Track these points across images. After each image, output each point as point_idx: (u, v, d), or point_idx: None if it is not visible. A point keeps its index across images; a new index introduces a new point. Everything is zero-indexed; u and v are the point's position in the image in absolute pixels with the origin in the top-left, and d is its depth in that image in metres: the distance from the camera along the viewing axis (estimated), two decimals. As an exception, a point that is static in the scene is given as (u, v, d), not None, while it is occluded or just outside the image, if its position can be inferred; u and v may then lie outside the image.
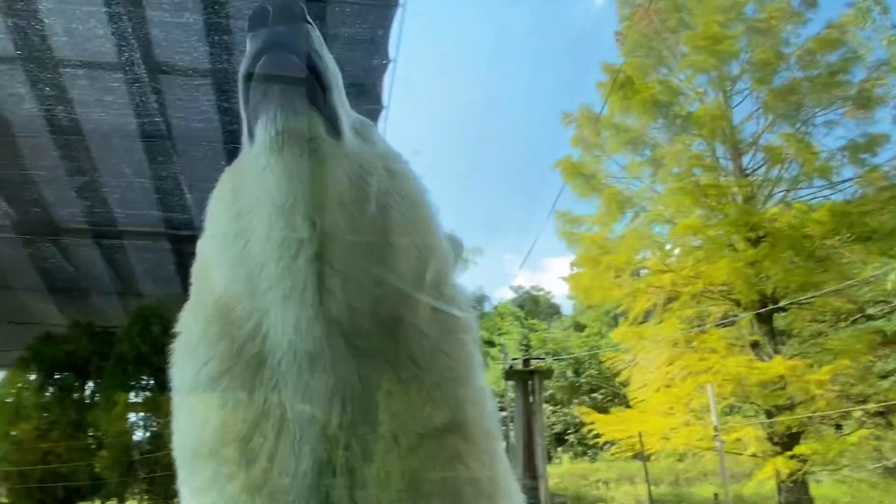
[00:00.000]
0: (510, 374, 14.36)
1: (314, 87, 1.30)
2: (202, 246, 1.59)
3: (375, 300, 1.36)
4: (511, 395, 16.75)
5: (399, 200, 1.42)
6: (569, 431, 34.05)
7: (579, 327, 39.77)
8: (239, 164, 1.48)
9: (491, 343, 35.03)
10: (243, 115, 1.38)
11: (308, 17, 1.34)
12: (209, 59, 5.54)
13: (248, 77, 1.31)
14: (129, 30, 5.14)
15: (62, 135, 6.16)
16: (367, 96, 6.03)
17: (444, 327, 1.45)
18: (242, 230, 1.38)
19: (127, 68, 5.41)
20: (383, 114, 6.32)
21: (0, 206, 7.38)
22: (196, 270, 1.58)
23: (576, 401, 33.18)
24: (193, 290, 1.57)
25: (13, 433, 12.04)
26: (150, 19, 5.19)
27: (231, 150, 6.26)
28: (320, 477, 1.27)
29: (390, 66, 6.13)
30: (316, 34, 1.34)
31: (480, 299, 45.51)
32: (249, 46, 1.32)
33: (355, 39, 5.83)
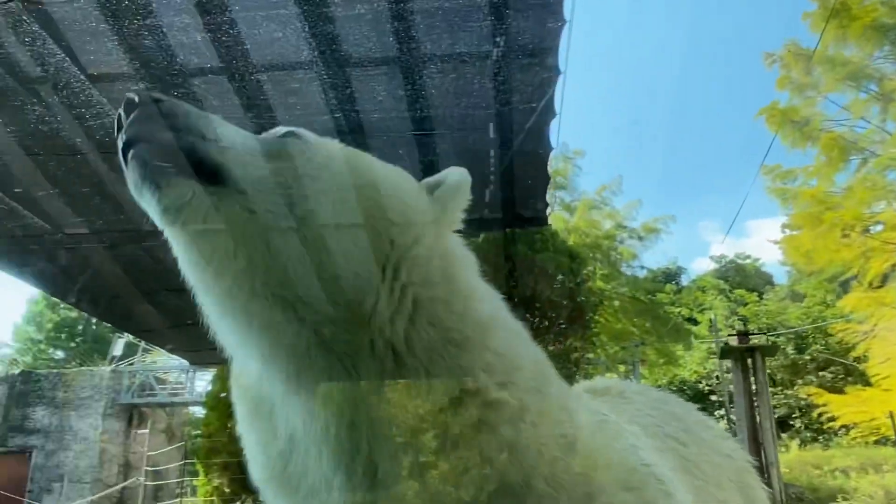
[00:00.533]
0: (726, 352, 13.45)
1: (174, 157, 1.37)
2: None
3: (331, 300, 1.37)
4: (726, 376, 15.74)
5: (319, 201, 1.41)
6: (794, 415, 31.55)
7: (797, 297, 36.66)
8: None
9: (692, 320, 33.36)
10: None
11: (154, 96, 1.42)
12: (381, 48, 5.57)
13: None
14: (306, 28, 5.29)
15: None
16: (542, 62, 5.75)
17: (435, 280, 1.44)
18: (200, 291, 1.48)
19: (306, 67, 5.58)
20: (560, 79, 6.00)
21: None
22: None
23: (799, 381, 30.72)
24: None
25: (229, 426, 13.38)
26: (323, 15, 5.31)
27: (410, 138, 6.28)
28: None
29: (566, 28, 5.84)
30: (165, 107, 1.41)
31: (676, 273, 43.53)
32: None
33: (528, 3, 5.60)
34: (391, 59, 5.46)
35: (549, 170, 7.13)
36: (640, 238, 22.23)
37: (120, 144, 1.41)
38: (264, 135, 1.61)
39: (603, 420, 1.81)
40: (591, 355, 17.20)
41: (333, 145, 1.61)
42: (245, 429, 1.56)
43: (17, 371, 24.16)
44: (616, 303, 20.67)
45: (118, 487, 22.71)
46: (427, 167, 6.38)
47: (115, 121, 1.43)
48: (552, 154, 6.77)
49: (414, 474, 1.35)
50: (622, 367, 21.87)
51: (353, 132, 6.30)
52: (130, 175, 1.40)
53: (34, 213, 7.73)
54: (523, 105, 5.76)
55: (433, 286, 1.44)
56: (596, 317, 16.63)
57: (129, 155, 1.38)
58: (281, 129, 1.61)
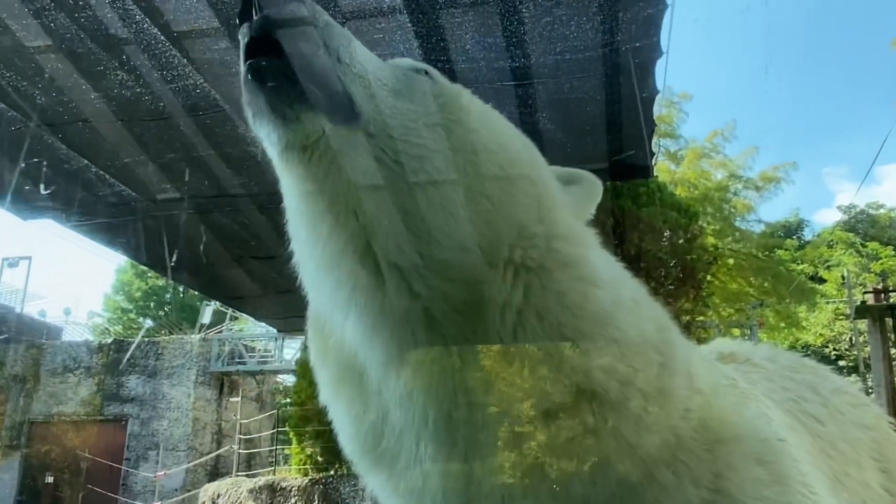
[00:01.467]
0: (861, 310, 12.88)
1: (306, 78, 1.24)
2: None
3: (448, 277, 1.32)
4: (859, 339, 15.11)
5: (452, 159, 1.35)
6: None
7: (941, 250, 34.54)
8: None
9: (818, 278, 31.96)
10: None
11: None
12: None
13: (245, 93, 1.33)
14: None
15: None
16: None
17: (552, 266, 1.38)
18: (305, 242, 1.44)
19: (388, 14, 5.60)
20: (667, 13, 5.78)
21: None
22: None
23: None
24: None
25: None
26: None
27: (500, 88, 6.23)
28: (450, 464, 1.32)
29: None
30: (305, 9, 1.29)
31: (798, 226, 41.68)
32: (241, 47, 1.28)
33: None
34: (482, 2, 5.42)
35: (655, 115, 6.95)
36: (757, 189, 21.34)
37: (242, 45, 1.28)
38: (391, 63, 1.50)
39: (731, 385, 1.77)
40: (703, 318, 16.78)
41: (467, 95, 1.54)
42: (330, 396, 1.54)
43: (109, 340, 25.69)
44: (731, 261, 20.00)
45: (212, 455, 24.04)
46: (521, 119, 6.33)
47: (239, 15, 1.29)
48: (657, 98, 6.60)
49: (518, 475, 1.32)
50: (738, 332, 21.23)
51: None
52: (250, 95, 1.30)
53: (121, 181, 8.15)
54: (626, 45, 5.61)
55: (549, 274, 1.38)
56: (708, 276, 16.17)
57: (252, 67, 1.26)
58: (406, 61, 1.52)
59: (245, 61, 1.27)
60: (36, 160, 7.71)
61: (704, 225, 17.78)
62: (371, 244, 1.31)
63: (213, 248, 10.02)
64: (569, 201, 1.60)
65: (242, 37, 1.28)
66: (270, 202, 8.57)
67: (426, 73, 1.50)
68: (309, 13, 1.31)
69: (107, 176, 8.03)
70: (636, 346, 1.41)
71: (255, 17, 1.26)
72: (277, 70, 1.25)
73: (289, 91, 1.25)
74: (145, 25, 5.75)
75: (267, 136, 1.32)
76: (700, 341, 16.29)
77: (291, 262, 1.64)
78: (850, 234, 40.15)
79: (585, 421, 1.32)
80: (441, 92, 1.48)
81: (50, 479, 23.09)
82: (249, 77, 1.27)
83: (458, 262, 1.33)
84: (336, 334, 1.46)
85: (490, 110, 1.57)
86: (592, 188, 1.78)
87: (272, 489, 17.14)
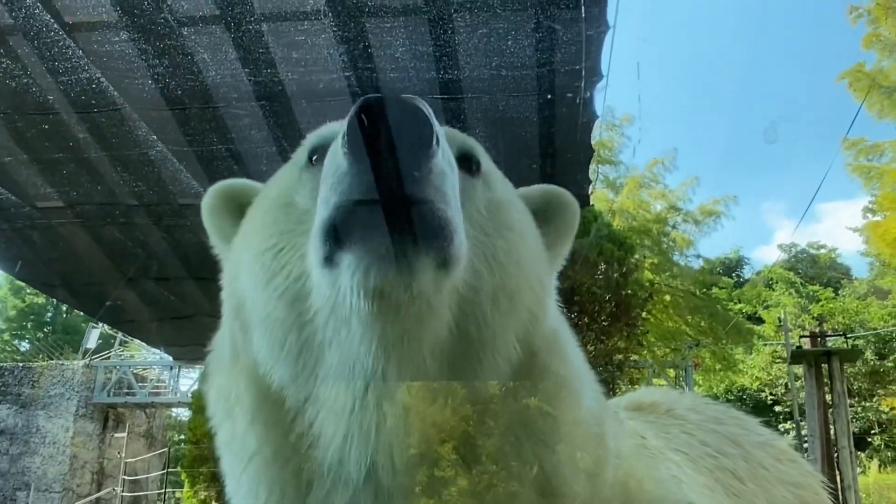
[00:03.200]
0: (797, 356, 13.36)
1: (426, 235, 1.19)
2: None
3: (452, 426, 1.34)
4: (795, 383, 15.66)
5: (495, 292, 1.38)
6: (873, 431, 31.29)
7: (881, 293, 36.25)
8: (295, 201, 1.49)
9: (756, 318, 33.10)
10: (317, 259, 1.27)
11: (437, 136, 1.19)
12: None
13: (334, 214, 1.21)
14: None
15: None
16: (588, 14, 5.71)
17: (545, 385, 1.44)
18: (308, 324, 1.34)
19: (313, 17, 5.58)
20: (609, 35, 5.94)
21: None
22: (227, 336, 1.59)
23: (881, 391, 30.42)
24: (227, 358, 1.58)
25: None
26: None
27: (430, 101, 6.25)
28: None
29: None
30: (444, 164, 1.23)
31: (737, 263, 43.17)
32: (347, 169, 1.20)
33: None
34: (414, 9, 5.45)
35: (593, 141, 7.10)
36: (697, 222, 22.03)
37: (366, 188, 1.17)
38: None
39: (640, 445, 1.83)
40: (636, 357, 17.13)
41: (511, 196, 1.61)
42: (251, 438, 1.45)
43: (-23, 364, 24.61)
44: (667, 297, 20.53)
45: (91, 499, 23.12)
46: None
47: (350, 133, 1.19)
48: (596, 123, 6.75)
49: None
50: (672, 372, 21.75)
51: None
52: (361, 222, 1.19)
53: (0, 183, 7.83)
54: (565, 66, 5.73)
55: (545, 393, 1.44)
56: (644, 313, 16.55)
57: (375, 205, 1.17)
58: (456, 140, 1.51)
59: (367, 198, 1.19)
60: None
61: (641, 259, 18.22)
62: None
63: (103, 263, 9.69)
64: (545, 254, 1.64)
65: (352, 162, 1.20)
66: (170, 214, 8.36)
67: (478, 164, 1.54)
68: (446, 168, 1.25)
69: (-19, 176, 7.70)
70: (578, 422, 1.48)
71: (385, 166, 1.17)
72: (409, 213, 1.18)
73: (411, 231, 1.19)
74: (35, 11, 5.57)
75: (359, 270, 1.19)
76: (633, 382, 16.59)
77: (191, 284, 1.56)
78: (791, 274, 41.84)
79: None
80: (495, 209, 1.50)
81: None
82: (371, 207, 1.18)
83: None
84: (301, 417, 1.39)
85: (525, 216, 1.63)
86: (572, 218, 1.76)
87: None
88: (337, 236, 1.20)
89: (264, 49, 5.93)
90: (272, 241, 1.42)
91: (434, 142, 1.18)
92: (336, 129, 1.36)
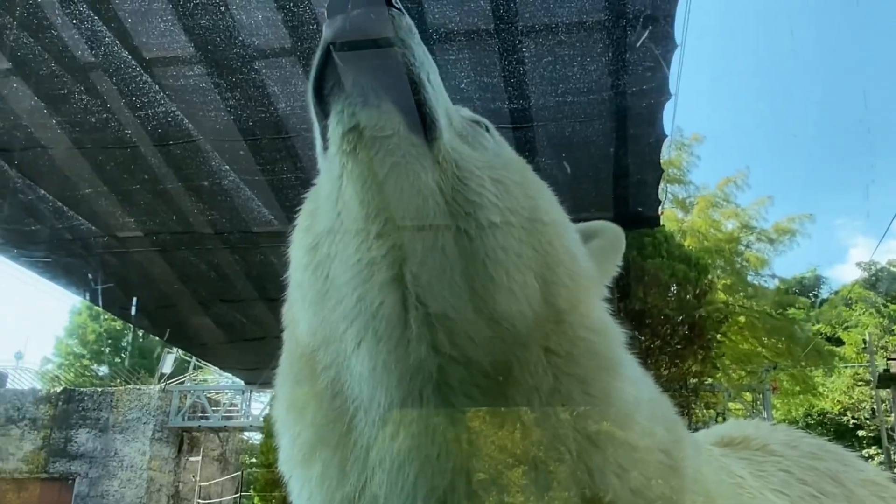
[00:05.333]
0: (884, 379, 12.87)
1: (394, 77, 1.30)
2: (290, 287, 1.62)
3: (478, 342, 1.32)
4: (884, 406, 15.10)
5: (510, 219, 1.39)
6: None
7: (970, 313, 34.77)
8: (317, 182, 1.54)
9: (835, 339, 32.02)
10: (314, 122, 1.42)
11: (395, 1, 1.33)
12: (465, 22, 5.61)
13: (318, 77, 1.35)
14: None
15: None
16: (655, 34, 5.67)
17: (579, 354, 1.40)
18: (320, 261, 1.42)
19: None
20: (677, 53, 5.89)
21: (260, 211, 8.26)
22: (285, 315, 1.63)
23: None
24: (285, 337, 1.62)
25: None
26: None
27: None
28: None
29: (685, -7, 5.74)
30: (405, 21, 1.34)
31: (814, 283, 41.88)
32: (323, 35, 1.34)
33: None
34: (478, 40, 5.48)
35: (662, 160, 7.03)
36: (771, 241, 21.49)
37: (335, 24, 1.32)
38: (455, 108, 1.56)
39: (737, 485, 1.76)
40: (712, 381, 16.74)
41: (522, 160, 1.63)
42: (301, 460, 1.47)
43: (59, 389, 25.35)
44: (742, 319, 20.04)
45: (168, 521, 23.55)
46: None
47: (330, 7, 1.34)
48: (665, 142, 6.68)
49: None
50: (749, 396, 21.18)
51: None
52: (336, 67, 1.33)
53: (79, 214, 8.12)
54: (632, 87, 5.70)
55: (575, 361, 1.39)
56: (718, 335, 16.19)
57: (343, 47, 1.31)
58: (465, 112, 1.58)
59: (336, 36, 1.32)
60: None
61: (715, 279, 17.85)
62: (403, 272, 1.32)
63: (177, 289, 9.96)
64: (593, 270, 1.63)
65: (329, 27, 1.34)
66: (241, 241, 8.55)
67: (487, 128, 1.58)
68: (408, 25, 1.37)
69: (64, 208, 8.01)
70: (649, 451, 1.41)
71: (350, 12, 1.32)
72: (376, 54, 1.32)
73: (381, 77, 1.32)
74: (114, 49, 5.80)
75: (337, 114, 1.33)
76: (708, 406, 16.21)
77: (264, 305, 1.62)
78: (871, 293, 40.39)
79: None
80: (502, 151, 1.56)
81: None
82: (343, 48, 1.32)
83: (490, 331, 1.33)
84: (333, 370, 1.42)
85: (543, 183, 1.65)
86: (615, 240, 1.81)
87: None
88: (322, 89, 1.36)
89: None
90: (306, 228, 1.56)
91: None
92: None
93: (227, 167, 7.25)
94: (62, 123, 6.78)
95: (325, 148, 1.39)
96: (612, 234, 1.79)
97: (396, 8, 1.35)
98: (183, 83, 6.25)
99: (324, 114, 1.37)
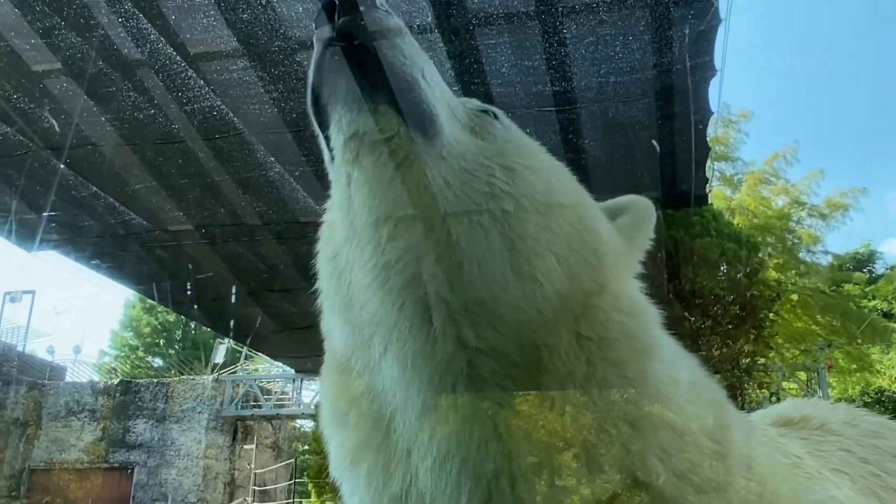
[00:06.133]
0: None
1: (388, 79, 1.31)
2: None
3: (504, 332, 1.32)
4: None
5: (524, 205, 1.38)
6: None
7: None
8: (331, 192, 1.55)
9: (893, 316, 31.28)
10: (318, 133, 1.44)
11: (382, 3, 1.35)
12: (505, 5, 5.58)
13: (315, 89, 1.38)
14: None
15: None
16: (698, 9, 5.57)
17: (613, 338, 1.39)
18: (341, 270, 1.46)
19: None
20: (721, 28, 5.78)
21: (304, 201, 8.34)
22: (322, 326, 1.66)
23: None
24: (325, 347, 1.64)
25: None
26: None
27: (538, 114, 6.26)
28: None
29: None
30: (393, 21, 1.36)
31: (869, 258, 40.87)
32: (314, 47, 1.37)
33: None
34: (519, 23, 5.45)
35: (709, 138, 6.93)
36: (823, 217, 21.04)
37: (323, 35, 1.35)
38: (461, 100, 1.56)
39: (794, 465, 1.72)
40: (765, 360, 16.48)
41: (534, 143, 1.60)
42: (347, 466, 1.49)
43: (116, 381, 25.88)
44: (795, 297, 19.68)
45: (225, 508, 23.98)
46: (564, 146, 6.34)
47: (321, 10, 1.37)
48: (711, 119, 6.59)
49: None
50: (803, 375, 20.81)
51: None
52: (328, 75, 1.36)
53: (131, 209, 8.29)
54: (676, 65, 5.62)
55: (609, 345, 1.38)
56: (770, 314, 15.92)
57: (339, 48, 1.33)
58: (475, 102, 1.57)
59: (326, 46, 1.35)
60: (40, 187, 7.89)
61: (765, 257, 17.55)
62: (421, 270, 1.33)
63: (228, 280, 10.12)
64: (621, 247, 1.60)
65: (318, 39, 1.37)
66: (289, 232, 8.65)
67: (495, 115, 1.55)
68: (396, 26, 1.39)
69: (116, 203, 8.19)
70: (692, 434, 1.39)
71: (337, 20, 1.35)
72: (366, 57, 1.33)
73: (374, 79, 1.32)
74: (160, 46, 5.90)
75: (336, 123, 1.36)
76: (761, 386, 15.98)
77: (311, 294, 1.66)
78: (929, 267, 39.32)
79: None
80: (512, 138, 1.53)
81: (51, 531, 23.21)
82: (333, 57, 1.34)
83: (515, 320, 1.33)
84: (367, 375, 1.44)
85: (558, 164, 1.62)
86: (643, 213, 1.75)
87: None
88: (319, 101, 1.39)
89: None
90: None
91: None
92: None
93: (272, 159, 7.34)
94: (111, 121, 6.92)
95: (332, 158, 1.42)
96: (641, 208, 1.73)
97: (383, 10, 1.37)
98: (227, 77, 6.33)
99: (325, 125, 1.39)
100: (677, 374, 1.46)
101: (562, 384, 1.33)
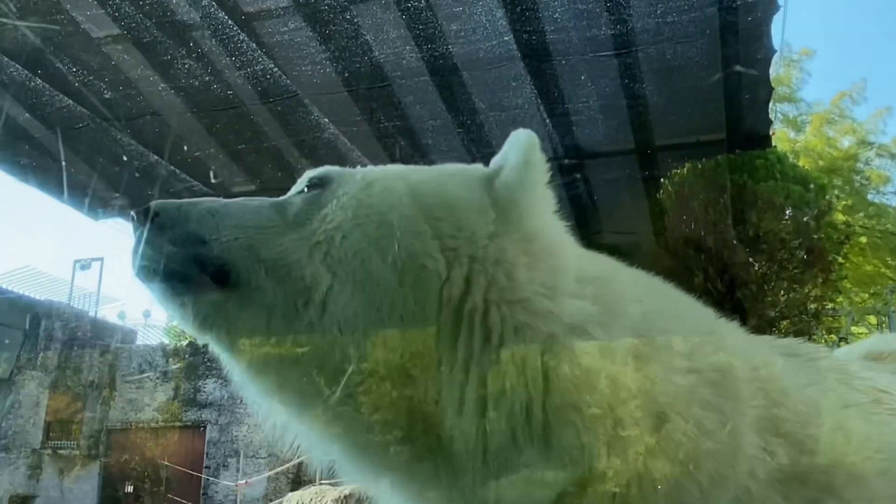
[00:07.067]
0: None
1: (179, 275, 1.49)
2: None
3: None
4: None
5: (344, 272, 1.40)
6: None
7: None
8: None
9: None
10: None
11: (152, 209, 1.54)
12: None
13: None
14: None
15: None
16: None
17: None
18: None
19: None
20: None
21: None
22: None
23: None
24: None
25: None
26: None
27: (592, 59, 6.15)
28: None
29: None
30: (167, 217, 1.54)
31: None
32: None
33: None
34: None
35: (771, 78, 6.72)
36: (893, 156, 20.37)
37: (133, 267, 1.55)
38: (292, 190, 1.63)
39: (877, 401, 1.65)
40: (833, 305, 16.13)
41: (371, 179, 1.58)
42: None
43: (185, 343, 26.60)
44: (864, 239, 19.17)
45: (294, 463, 24.62)
46: (624, 91, 6.23)
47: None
48: (773, 58, 6.38)
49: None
50: (873, 319, 20.33)
51: (528, 57, 6.28)
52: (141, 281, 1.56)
53: (192, 176, 8.43)
54: (737, 1, 5.44)
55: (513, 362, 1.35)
56: (839, 258, 15.54)
57: (137, 272, 1.53)
58: (307, 176, 1.62)
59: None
60: (104, 157, 8.07)
61: (833, 199, 17.08)
62: (304, 388, 1.46)
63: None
64: (504, 221, 1.50)
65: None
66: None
67: (319, 180, 1.59)
68: (166, 223, 1.54)
69: (177, 171, 8.33)
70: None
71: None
72: (157, 282, 1.52)
73: (172, 289, 1.52)
74: (212, 9, 5.93)
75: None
76: (830, 331, 15.67)
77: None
78: None
79: None
80: (332, 196, 1.53)
81: (130, 489, 24.11)
82: (140, 279, 1.54)
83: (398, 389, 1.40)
84: None
85: (391, 184, 1.57)
86: (520, 157, 1.53)
87: (358, 499, 17.42)
88: None
89: (424, 24, 6.01)
90: None
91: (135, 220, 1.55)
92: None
93: (327, 120, 7.36)
94: (168, 88, 7.01)
95: None
96: (515, 151, 1.55)
97: (157, 214, 1.54)
98: (279, 39, 6.35)
99: None
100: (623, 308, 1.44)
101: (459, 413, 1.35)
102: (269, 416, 1.63)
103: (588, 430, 1.27)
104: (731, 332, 1.59)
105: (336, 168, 1.62)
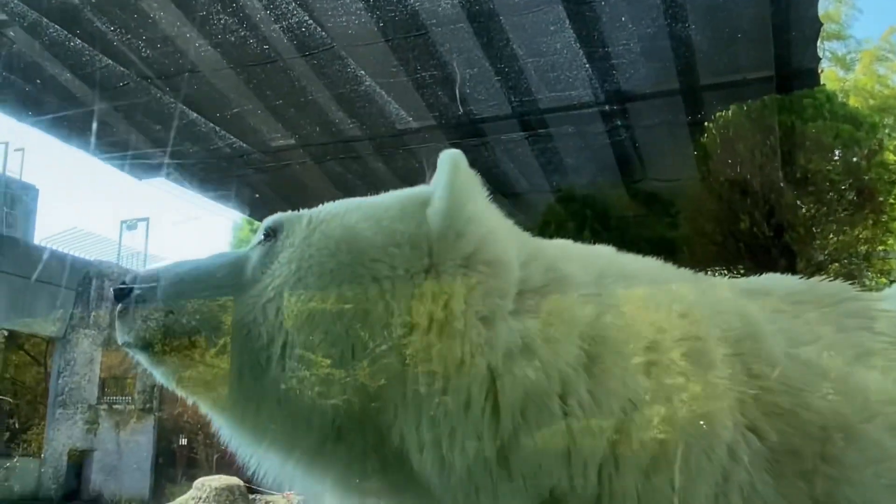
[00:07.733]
0: None
1: (157, 344, 1.64)
2: None
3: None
4: None
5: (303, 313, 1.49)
6: None
7: None
8: None
9: None
10: None
11: (124, 288, 1.68)
12: None
13: None
14: None
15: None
16: None
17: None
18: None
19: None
20: None
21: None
22: None
23: None
24: None
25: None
26: None
27: (635, 1, 5.99)
28: None
29: None
30: (136, 297, 1.65)
31: None
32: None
33: None
34: None
35: (819, 14, 6.52)
36: (947, 92, 19.74)
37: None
38: (253, 240, 1.72)
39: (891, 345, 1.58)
40: (883, 247, 15.79)
41: (313, 227, 1.64)
42: None
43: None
44: (916, 179, 18.71)
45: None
46: (669, 31, 6.09)
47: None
48: (821, -6, 6.17)
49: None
50: (926, 262, 19.92)
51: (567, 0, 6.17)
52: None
53: (232, 133, 8.47)
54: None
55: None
56: (890, 198, 15.17)
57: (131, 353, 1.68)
58: (264, 225, 1.71)
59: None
60: (146, 116, 8.15)
61: (884, 138, 16.61)
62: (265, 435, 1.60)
63: (330, 196, 10.29)
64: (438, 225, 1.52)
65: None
66: (388, 144, 8.70)
67: (267, 233, 1.68)
68: (139, 298, 1.66)
69: (217, 128, 8.38)
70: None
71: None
72: (139, 349, 1.68)
73: (151, 356, 1.65)
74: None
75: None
76: (881, 274, 15.38)
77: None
78: None
79: None
80: (283, 245, 1.62)
81: (184, 441, 24.91)
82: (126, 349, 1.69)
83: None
84: None
85: (338, 227, 1.62)
86: (440, 165, 1.55)
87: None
88: None
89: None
90: None
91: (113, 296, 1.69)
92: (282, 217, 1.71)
93: (363, 72, 7.31)
94: (206, 45, 7.01)
95: None
96: (442, 176, 1.53)
97: (131, 290, 1.66)
98: (312, -11, 6.30)
99: None
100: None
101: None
102: (256, 462, 1.67)
103: (545, 453, 1.32)
104: (693, 302, 1.55)
105: (286, 215, 1.70)
